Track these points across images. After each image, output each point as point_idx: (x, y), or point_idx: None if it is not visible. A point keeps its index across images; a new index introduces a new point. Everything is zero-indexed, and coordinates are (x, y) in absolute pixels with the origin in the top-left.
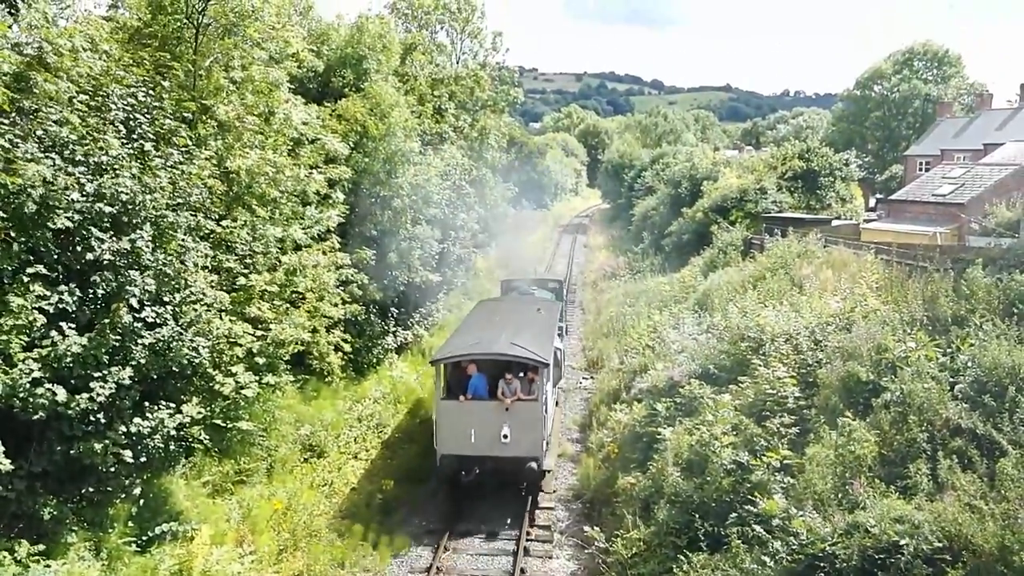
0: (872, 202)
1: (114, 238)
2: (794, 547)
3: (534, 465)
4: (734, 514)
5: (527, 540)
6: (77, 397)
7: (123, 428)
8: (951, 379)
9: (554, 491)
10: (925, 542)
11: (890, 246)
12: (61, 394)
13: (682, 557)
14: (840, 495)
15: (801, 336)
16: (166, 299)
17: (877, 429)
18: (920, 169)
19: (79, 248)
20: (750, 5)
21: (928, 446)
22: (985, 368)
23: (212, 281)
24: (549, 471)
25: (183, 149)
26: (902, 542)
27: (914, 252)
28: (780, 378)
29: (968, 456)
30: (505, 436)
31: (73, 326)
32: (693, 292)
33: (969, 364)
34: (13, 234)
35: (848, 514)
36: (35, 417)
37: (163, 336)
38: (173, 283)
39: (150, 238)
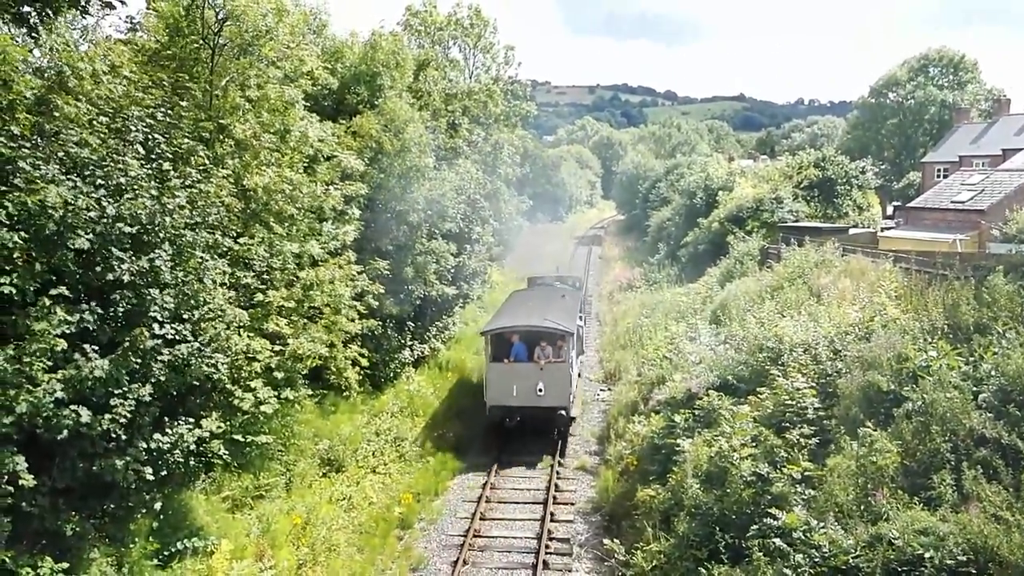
0: (889, 210)
1: (134, 257)
2: (816, 560)
3: (563, 413)
4: (755, 526)
5: (546, 553)
6: (100, 417)
7: (143, 444)
8: (974, 388)
9: (573, 503)
10: (950, 555)
11: (909, 254)
12: (85, 415)
13: (703, 570)
14: (862, 507)
15: (820, 346)
16: (185, 316)
17: (899, 439)
18: (938, 176)
19: (100, 268)
20: (762, 14)
21: (952, 456)
22: (1009, 377)
23: (230, 298)
24: (575, 419)
25: (201, 168)
26: (927, 555)
27: (933, 260)
28: (799, 388)
29: (993, 466)
30: (540, 390)
31: (96, 347)
32: (710, 303)
33: (992, 373)
34: (34, 255)
35: (871, 526)
36: (59, 436)
37: (182, 353)
38: (192, 301)
39: (169, 257)
